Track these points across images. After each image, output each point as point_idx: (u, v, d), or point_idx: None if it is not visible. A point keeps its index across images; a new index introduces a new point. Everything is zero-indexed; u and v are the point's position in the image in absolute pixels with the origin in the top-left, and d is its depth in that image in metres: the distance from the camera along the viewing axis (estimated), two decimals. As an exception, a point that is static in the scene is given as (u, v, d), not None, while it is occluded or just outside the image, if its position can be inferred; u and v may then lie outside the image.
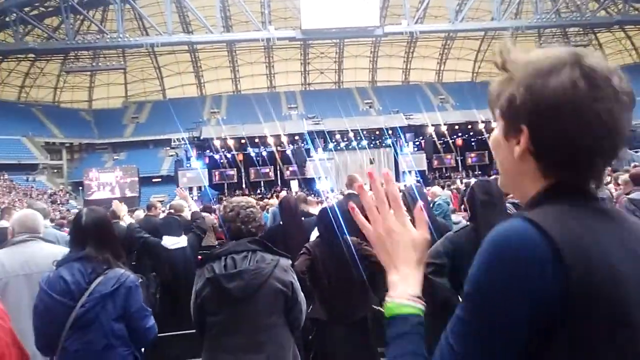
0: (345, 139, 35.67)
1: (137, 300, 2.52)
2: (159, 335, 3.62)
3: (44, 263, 2.92)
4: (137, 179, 37.18)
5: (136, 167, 38.04)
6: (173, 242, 4.87)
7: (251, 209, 2.76)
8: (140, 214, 9.91)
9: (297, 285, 2.70)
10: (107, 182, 37.44)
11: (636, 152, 12.72)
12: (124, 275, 2.50)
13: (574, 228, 0.78)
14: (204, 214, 9.25)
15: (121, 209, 5.26)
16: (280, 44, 43.74)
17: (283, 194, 5.70)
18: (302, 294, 2.72)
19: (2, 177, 34.85)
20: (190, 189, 32.62)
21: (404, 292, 0.91)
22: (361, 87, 52.77)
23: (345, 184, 5.82)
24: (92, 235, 2.52)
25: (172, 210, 8.55)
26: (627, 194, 5.53)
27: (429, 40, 50.46)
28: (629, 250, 0.80)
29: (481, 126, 33.94)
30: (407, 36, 42.62)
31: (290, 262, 2.73)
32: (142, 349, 2.68)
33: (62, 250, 3.04)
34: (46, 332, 2.41)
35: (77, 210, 9.23)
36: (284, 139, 33.43)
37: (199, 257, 4.21)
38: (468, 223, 3.20)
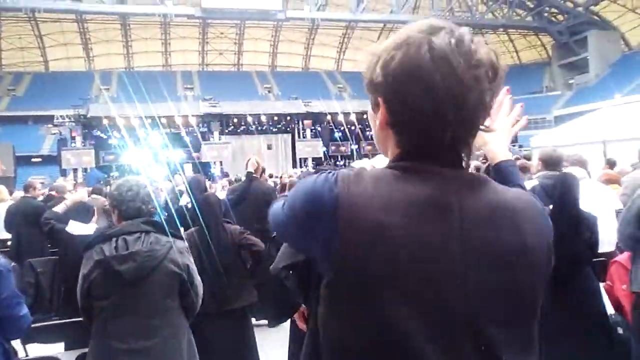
0: (243, 124, 35.19)
1: (8, 287, 2.26)
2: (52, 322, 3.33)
3: None
4: (12, 157, 33.99)
5: (11, 144, 34.73)
6: (80, 228, 4.46)
7: (147, 189, 2.62)
8: (19, 194, 9.08)
9: (194, 267, 2.57)
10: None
11: (513, 145, 13.92)
12: None
13: (367, 190, 0.88)
14: (93, 196, 8.76)
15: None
16: (179, 21, 41.99)
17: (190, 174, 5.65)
18: (198, 277, 2.59)
19: None
20: (75, 170, 30.56)
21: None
22: (261, 71, 52.22)
23: (246, 164, 6.01)
24: None
25: (52, 192, 7.89)
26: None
27: (330, 29, 51.00)
28: (416, 216, 0.86)
29: (376, 116, 35.07)
30: (308, 22, 42.75)
31: (186, 244, 2.61)
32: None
33: None
34: None
35: None
36: (179, 121, 32.27)
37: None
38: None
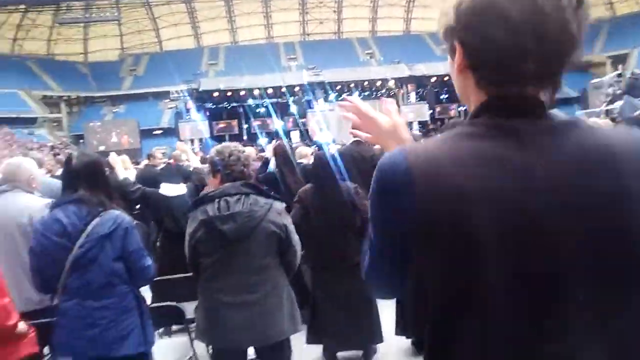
0: (346, 90, 35.30)
1: (135, 241, 2.55)
2: (162, 278, 3.68)
3: (12, 215, 3.04)
4: (137, 131, 36.96)
5: (136, 119, 37.73)
6: (172, 189, 4.80)
7: (245, 153, 2.78)
8: (145, 163, 10.04)
9: (292, 228, 2.72)
10: (107, 135, 37.26)
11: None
12: (120, 217, 2.53)
13: (439, 154, 0.85)
14: (203, 165, 9.38)
15: (116, 160, 5.12)
16: (279, -8, 42.64)
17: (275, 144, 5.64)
18: (296, 236, 2.74)
19: (2, 130, 34.57)
20: (192, 141, 32.54)
21: None
22: (361, 38, 51.73)
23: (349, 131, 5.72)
24: (85, 177, 2.53)
25: (171, 160, 8.59)
26: None
27: (431, -12, 49.21)
28: (508, 173, 0.82)
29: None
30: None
31: (284, 205, 2.74)
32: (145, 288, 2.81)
33: (36, 201, 3.12)
34: (46, 272, 2.45)
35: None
36: (284, 91, 33.09)
37: None
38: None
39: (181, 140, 32.73)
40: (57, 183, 4.91)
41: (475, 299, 0.82)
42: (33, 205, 3.01)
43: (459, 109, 37.59)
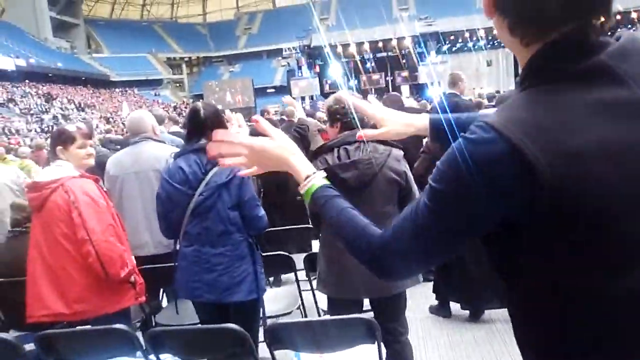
0: (460, 41, 33.59)
1: (249, 191, 2.66)
2: (273, 229, 3.86)
3: (149, 162, 3.30)
4: (252, 89, 38.46)
5: (251, 78, 39.19)
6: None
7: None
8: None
9: (410, 175, 2.69)
10: (224, 94, 39.20)
11: None
12: (237, 167, 2.67)
13: (540, 120, 0.74)
14: (308, 119, 9.60)
15: (231, 117, 5.42)
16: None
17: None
18: (415, 184, 2.71)
19: (133, 93, 37.83)
20: (303, 98, 33.21)
21: (305, 177, 1.14)
22: (478, -18, 48.46)
23: (448, 82, 5.54)
24: (209, 127, 2.60)
25: (284, 117, 8.88)
26: None
27: None
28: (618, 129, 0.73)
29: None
30: None
31: (402, 152, 2.69)
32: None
33: (168, 150, 3.34)
34: (170, 217, 2.65)
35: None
36: (395, 43, 32.29)
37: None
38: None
39: (293, 98, 33.62)
40: (177, 139, 5.37)
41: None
42: (167, 153, 3.24)
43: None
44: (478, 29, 31.81)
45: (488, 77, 35.53)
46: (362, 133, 1.36)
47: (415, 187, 2.69)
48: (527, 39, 0.80)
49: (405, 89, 33.04)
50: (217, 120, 2.70)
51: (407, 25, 36.23)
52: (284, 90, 37.21)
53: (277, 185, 4.88)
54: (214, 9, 51.19)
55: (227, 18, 50.92)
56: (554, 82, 0.77)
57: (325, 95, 35.05)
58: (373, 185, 2.53)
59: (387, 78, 36.04)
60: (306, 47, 32.83)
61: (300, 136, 5.40)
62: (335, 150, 2.56)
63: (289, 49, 33.79)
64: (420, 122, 1.25)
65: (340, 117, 2.65)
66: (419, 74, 32.09)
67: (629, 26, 29.63)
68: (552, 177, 0.70)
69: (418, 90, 32.81)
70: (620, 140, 0.72)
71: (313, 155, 2.66)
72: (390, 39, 32.07)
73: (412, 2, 47.08)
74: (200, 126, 2.66)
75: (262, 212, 2.72)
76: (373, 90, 35.96)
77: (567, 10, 0.76)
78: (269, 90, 41.13)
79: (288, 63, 35.19)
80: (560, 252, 0.75)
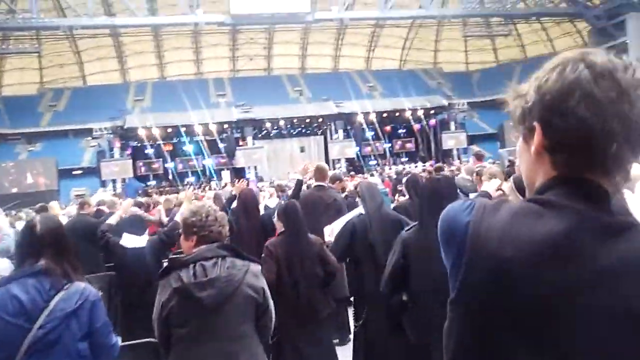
0: (276, 127, 35.48)
1: (102, 316, 2.33)
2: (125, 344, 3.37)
3: None
4: (55, 171, 35.20)
5: (54, 158, 35.98)
6: (132, 241, 4.47)
7: (220, 213, 2.63)
8: (71, 209, 9.37)
9: (268, 291, 2.59)
10: (22, 176, 35.22)
11: None
12: (87, 290, 2.28)
13: (498, 223, 0.86)
14: (134, 208, 9.06)
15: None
16: (208, 29, 42.50)
17: (243, 184, 5.39)
18: (271, 300, 2.61)
19: None
20: (114, 181, 31.39)
21: None
22: (291, 74, 52.44)
23: (313, 176, 5.65)
24: (49, 245, 2.26)
25: (102, 207, 8.13)
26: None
27: (358, 28, 50.81)
28: (555, 256, 0.82)
29: (408, 114, 34.81)
30: (337, 23, 42.71)
31: (260, 267, 2.61)
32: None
33: None
34: None
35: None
36: (213, 128, 32.77)
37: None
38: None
39: (102, 181, 31.63)
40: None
41: None
42: None
43: (385, 145, 38.70)
44: (292, 117, 34.01)
45: (301, 162, 37.73)
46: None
47: (272, 304, 2.59)
48: (561, 166, 0.89)
49: (225, 174, 33.39)
50: (57, 237, 2.33)
51: (224, 111, 37.20)
52: (92, 172, 34.86)
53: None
54: (13, 82, 46.83)
55: (28, 93, 46.83)
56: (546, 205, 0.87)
57: (138, 178, 33.62)
58: (230, 303, 2.39)
59: (204, 162, 36.14)
60: (119, 128, 31.52)
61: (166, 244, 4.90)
62: (191, 266, 2.37)
63: (100, 129, 32.07)
64: None
65: (196, 230, 2.50)
66: (236, 158, 32.74)
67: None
68: None
69: (237, 174, 33.42)
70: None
71: (165, 271, 2.44)
72: (207, 124, 32.47)
73: (229, 88, 48.79)
74: (37, 245, 2.28)
75: (114, 338, 2.38)
76: (190, 173, 35.70)
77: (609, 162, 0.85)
78: (75, 172, 38.02)
79: (99, 144, 33.25)
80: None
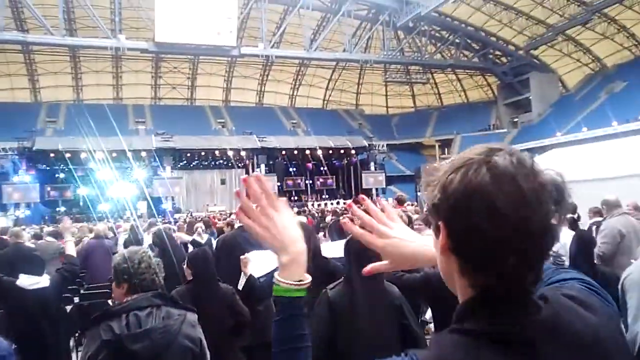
0: (197, 158, 34.90)
1: None
2: None
3: None
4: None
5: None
6: (32, 281, 4.00)
7: (157, 258, 2.49)
8: None
9: (205, 341, 2.46)
10: None
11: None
12: None
13: None
14: (48, 238, 8.45)
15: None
16: (131, 54, 41.50)
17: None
18: (207, 350, 2.47)
19: None
20: (18, 205, 29.26)
21: (293, 275, 1.07)
22: (214, 106, 52.06)
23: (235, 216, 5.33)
24: None
25: (4, 237, 7.47)
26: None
27: (283, 65, 51.71)
28: None
29: (330, 152, 35.62)
30: (262, 59, 43.27)
31: (196, 316, 2.48)
32: None
33: None
34: None
35: None
36: (130, 155, 31.63)
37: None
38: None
39: (3, 204, 29.36)
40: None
41: None
42: None
43: (306, 181, 39.14)
44: (214, 149, 33.60)
45: (221, 194, 37.26)
46: (370, 268, 1.21)
47: (208, 354, 2.45)
48: (469, 277, 0.87)
49: (142, 204, 32.07)
50: None
51: (143, 139, 36.09)
52: (-7, 194, 32.34)
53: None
54: None
55: None
56: (474, 337, 0.83)
57: (46, 203, 31.56)
58: (166, 355, 2.23)
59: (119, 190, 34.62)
60: (27, 150, 29.62)
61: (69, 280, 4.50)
62: (123, 316, 2.21)
63: (4, 149, 29.98)
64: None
65: (127, 277, 2.35)
66: (153, 187, 31.69)
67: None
68: None
69: (154, 203, 32.25)
70: None
71: (92, 322, 2.23)
72: (125, 150, 31.32)
73: (149, 116, 47.49)
74: None
75: None
76: (103, 200, 33.97)
77: (519, 265, 0.82)
78: (-29, 194, 35.06)
79: (2, 165, 30.97)
80: None
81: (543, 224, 0.82)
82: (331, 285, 2.90)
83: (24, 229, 11.11)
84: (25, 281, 4.03)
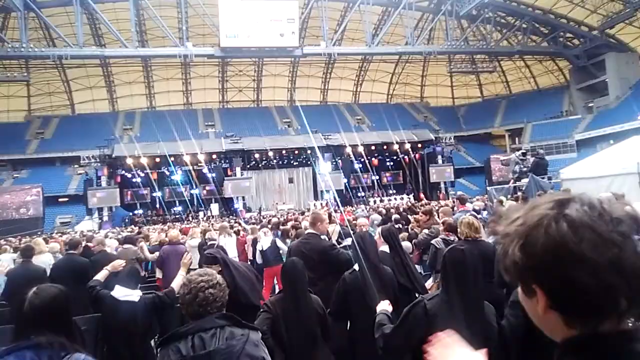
0: (264, 158, 35.64)
1: None
2: None
3: None
4: (40, 198, 34.83)
5: (40, 185, 35.65)
6: (125, 293, 4.32)
7: (211, 290, 2.52)
8: (55, 246, 9.05)
9: (269, 359, 2.53)
10: (5, 202, 34.77)
11: (542, 178, 13.61)
12: (84, 354, 2.25)
13: None
14: (125, 245, 8.82)
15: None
16: (198, 60, 43.04)
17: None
18: None
19: None
20: (100, 209, 31.13)
21: None
22: (280, 106, 53.00)
23: (309, 222, 5.34)
24: (46, 319, 2.23)
25: (89, 244, 7.96)
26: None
27: (346, 62, 51.79)
28: None
29: (396, 147, 35.28)
30: (325, 57, 43.52)
31: (260, 335, 2.56)
32: None
33: None
34: None
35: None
36: (201, 158, 32.83)
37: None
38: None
39: (89, 209, 31.34)
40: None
41: None
42: None
43: (373, 177, 39.00)
44: (281, 148, 34.20)
45: (289, 192, 37.89)
46: None
47: None
48: (575, 326, 0.88)
49: (215, 206, 33.29)
50: (55, 312, 2.28)
51: (213, 142, 37.33)
52: (79, 199, 34.57)
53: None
54: (0, 109, 46.65)
55: (15, 120, 46.66)
56: None
57: (125, 206, 33.39)
58: None
59: (192, 192, 36.04)
60: (107, 157, 31.45)
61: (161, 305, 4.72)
62: (189, 338, 2.34)
63: (88, 157, 31.96)
64: None
65: (185, 306, 2.49)
66: (225, 188, 32.71)
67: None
68: None
69: (225, 204, 33.36)
70: None
71: (162, 342, 2.39)
72: (196, 153, 32.54)
73: (218, 119, 49.06)
74: (32, 321, 2.23)
75: None
76: (177, 202, 35.54)
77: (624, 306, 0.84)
78: (61, 200, 37.68)
79: (86, 172, 33.05)
80: None
81: (636, 256, 0.84)
82: (428, 296, 2.88)
83: (107, 236, 11.79)
84: (120, 293, 4.31)
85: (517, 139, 44.19)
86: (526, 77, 52.68)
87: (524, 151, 17.70)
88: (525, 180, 13.85)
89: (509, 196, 12.23)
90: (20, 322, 2.29)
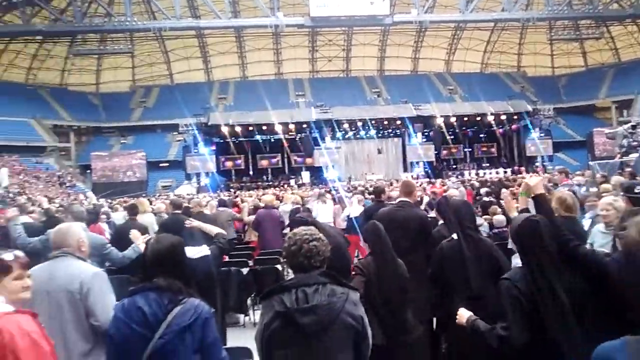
0: (354, 128, 35.62)
1: (213, 332, 2.46)
2: None
3: (63, 281, 2.92)
4: (144, 163, 37.25)
5: (144, 151, 38.09)
6: (196, 252, 4.54)
7: (314, 242, 2.58)
8: (161, 207, 9.76)
9: (367, 319, 2.58)
10: (114, 166, 37.57)
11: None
12: (200, 306, 2.46)
13: None
14: (221, 208, 9.32)
15: (136, 236, 5.06)
16: (289, 30, 43.48)
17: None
18: (370, 328, 2.60)
19: (12, 159, 34.91)
20: (198, 175, 32.76)
21: None
22: (369, 76, 52.50)
23: (400, 190, 5.28)
24: (166, 264, 2.47)
25: (188, 205, 8.49)
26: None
27: (438, 30, 50.09)
28: None
29: (490, 118, 33.86)
30: (416, 26, 42.33)
31: (358, 295, 2.61)
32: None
33: (89, 269, 3.03)
34: None
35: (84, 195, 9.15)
36: (292, 127, 33.42)
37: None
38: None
39: (187, 174, 33.10)
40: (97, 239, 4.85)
41: None
42: (84, 273, 2.95)
43: (465, 150, 37.86)
44: (371, 119, 33.98)
45: (378, 163, 37.75)
46: None
47: (370, 332, 2.58)
48: None
49: (305, 174, 33.98)
50: (174, 258, 2.53)
51: (303, 111, 37.82)
52: (178, 165, 36.57)
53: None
54: (109, 79, 50.09)
55: (121, 90, 49.91)
56: None
57: (220, 173, 34.88)
58: (329, 331, 2.41)
59: (284, 160, 36.93)
60: (203, 125, 32.85)
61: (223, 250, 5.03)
62: (293, 291, 2.43)
63: (185, 124, 33.60)
64: None
65: (290, 258, 2.58)
66: (314, 157, 33.17)
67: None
68: None
69: (315, 173, 33.90)
70: None
71: (265, 295, 2.50)
72: (287, 123, 33.14)
73: (308, 89, 49.54)
74: (155, 263, 2.48)
75: (224, 353, 2.51)
76: (270, 170, 36.66)
77: None
78: (162, 165, 40.10)
79: (184, 139, 34.80)
80: None
81: None
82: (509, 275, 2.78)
83: (205, 198, 12.41)
84: (191, 252, 4.43)
85: (625, 111, 40.83)
86: (639, 43, 48.24)
87: (634, 124, 16.41)
88: (634, 155, 12.89)
89: (615, 172, 11.43)
90: (145, 265, 2.53)
